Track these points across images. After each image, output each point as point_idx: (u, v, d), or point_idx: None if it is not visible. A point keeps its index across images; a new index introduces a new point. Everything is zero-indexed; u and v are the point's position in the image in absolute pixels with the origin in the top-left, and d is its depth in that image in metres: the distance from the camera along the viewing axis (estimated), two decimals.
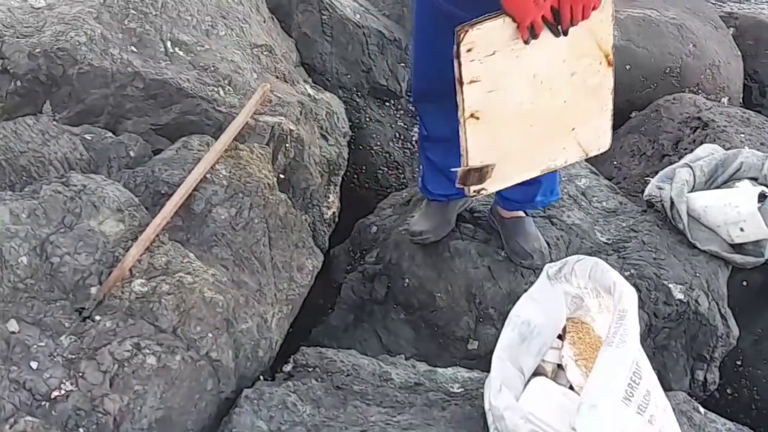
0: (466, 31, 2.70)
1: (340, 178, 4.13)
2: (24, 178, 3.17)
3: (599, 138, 3.13)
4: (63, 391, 2.57)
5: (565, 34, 2.80)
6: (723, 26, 6.43)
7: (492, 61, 2.76)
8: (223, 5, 4.06)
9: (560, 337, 3.06)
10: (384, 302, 3.88)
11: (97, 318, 2.76)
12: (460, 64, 2.75)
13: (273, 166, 3.60)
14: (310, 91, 4.16)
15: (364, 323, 3.89)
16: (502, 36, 2.76)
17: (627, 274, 3.75)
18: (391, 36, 4.66)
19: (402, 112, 4.71)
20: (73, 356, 2.65)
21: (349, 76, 4.55)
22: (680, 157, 4.46)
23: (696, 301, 3.78)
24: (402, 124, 4.71)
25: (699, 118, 4.99)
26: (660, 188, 4.14)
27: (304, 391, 2.97)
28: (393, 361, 3.30)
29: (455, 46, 2.73)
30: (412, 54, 3.46)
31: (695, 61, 5.66)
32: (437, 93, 3.40)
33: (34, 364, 2.59)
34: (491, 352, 2.92)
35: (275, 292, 3.22)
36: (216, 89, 3.69)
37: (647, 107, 5.22)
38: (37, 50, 3.41)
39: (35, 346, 2.63)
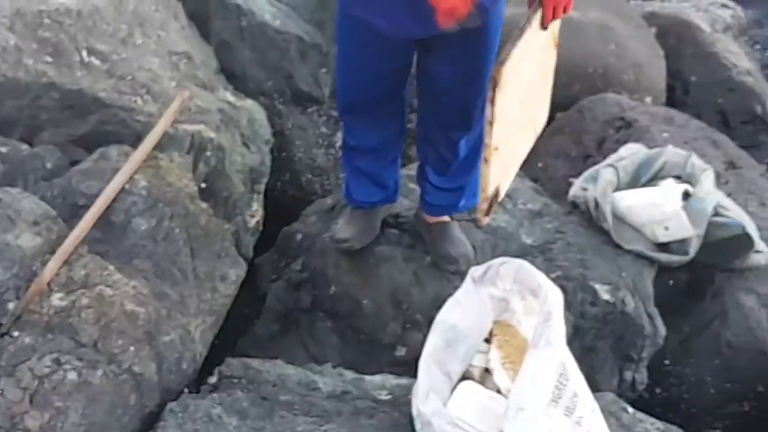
0: (501, 72, 2.65)
1: (263, 186, 4.09)
2: None
3: (544, 114, 3.25)
4: None
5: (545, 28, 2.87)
6: (645, 26, 6.50)
7: (510, 90, 2.74)
8: (140, 13, 4.01)
9: (487, 340, 3.06)
10: (310, 310, 3.85)
11: (16, 334, 2.72)
12: (494, 107, 2.70)
13: (194, 174, 3.56)
14: (231, 98, 4.12)
15: (290, 332, 3.86)
16: (526, 60, 2.76)
17: (553, 275, 3.75)
18: (312, 41, 4.64)
19: (325, 117, 4.69)
20: None
21: (270, 82, 4.52)
22: (604, 158, 4.48)
23: (622, 301, 3.80)
24: (325, 129, 4.69)
25: (622, 118, 5.03)
26: (584, 189, 4.16)
27: (230, 403, 2.94)
28: (320, 370, 3.28)
29: (491, 92, 2.68)
30: (337, 69, 3.45)
31: (618, 61, 5.70)
32: (363, 107, 3.40)
33: None
34: (419, 357, 2.91)
35: (198, 303, 3.19)
36: (134, 98, 3.65)
37: (571, 108, 5.24)
38: None
39: None
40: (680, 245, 3.98)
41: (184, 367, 3.01)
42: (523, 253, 3.92)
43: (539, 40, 2.90)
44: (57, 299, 2.83)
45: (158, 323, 2.96)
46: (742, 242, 4.06)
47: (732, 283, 4.20)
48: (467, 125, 3.42)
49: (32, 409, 2.58)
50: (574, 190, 4.24)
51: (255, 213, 3.99)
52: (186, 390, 3.05)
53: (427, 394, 2.76)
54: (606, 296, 3.79)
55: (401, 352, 3.71)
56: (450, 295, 3.09)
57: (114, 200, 3.19)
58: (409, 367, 3.44)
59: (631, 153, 4.31)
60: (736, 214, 4.11)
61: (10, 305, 2.77)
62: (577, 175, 4.41)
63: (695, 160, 4.20)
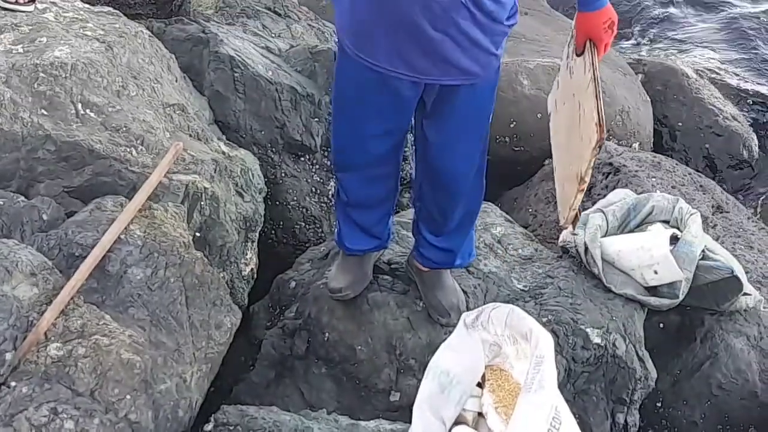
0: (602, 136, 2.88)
1: (257, 235, 4.12)
2: None
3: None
4: None
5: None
6: (631, 72, 6.58)
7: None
8: (133, 66, 4.05)
9: (480, 385, 3.08)
10: (305, 357, 3.87)
11: (13, 384, 2.71)
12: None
13: (188, 224, 3.58)
14: (224, 148, 4.15)
15: (285, 379, 3.87)
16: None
17: (545, 320, 3.78)
18: (304, 92, 4.69)
19: (317, 166, 4.73)
20: None
21: (263, 132, 4.55)
22: (593, 203, 4.52)
23: (613, 344, 3.83)
24: (318, 178, 4.73)
25: (611, 164, 5.08)
26: (574, 234, 4.20)
27: None
28: (315, 416, 3.29)
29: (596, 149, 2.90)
30: (333, 123, 3.48)
31: (605, 107, 5.75)
32: (357, 165, 3.45)
33: None
34: (413, 403, 2.93)
35: (194, 351, 3.20)
36: (128, 149, 3.67)
37: None
38: None
39: None
40: (669, 288, 4.01)
41: (180, 414, 3.01)
42: (514, 298, 3.95)
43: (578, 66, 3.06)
44: (54, 349, 2.83)
45: (154, 371, 2.97)
46: (731, 285, 4.09)
47: (721, 325, 4.23)
48: (458, 197, 3.47)
49: None
50: (564, 236, 4.28)
51: (249, 261, 4.02)
52: None
53: None
54: (597, 340, 3.82)
55: (395, 397, 3.73)
56: (443, 340, 3.11)
57: (109, 250, 3.20)
58: (404, 413, 3.47)
59: (619, 198, 4.35)
60: (724, 257, 4.14)
61: (8, 355, 2.77)
62: None
63: (683, 204, 4.24)
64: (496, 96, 3.31)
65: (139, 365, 2.91)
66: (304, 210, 4.67)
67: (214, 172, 3.88)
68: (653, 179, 4.95)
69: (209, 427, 3.15)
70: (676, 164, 5.33)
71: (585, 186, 2.96)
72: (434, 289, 3.83)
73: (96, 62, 3.86)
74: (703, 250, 4.06)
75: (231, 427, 3.12)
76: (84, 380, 2.77)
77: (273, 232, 4.63)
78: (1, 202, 3.36)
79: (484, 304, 3.62)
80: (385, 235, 3.85)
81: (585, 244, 4.09)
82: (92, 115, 3.71)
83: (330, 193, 4.72)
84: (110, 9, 4.46)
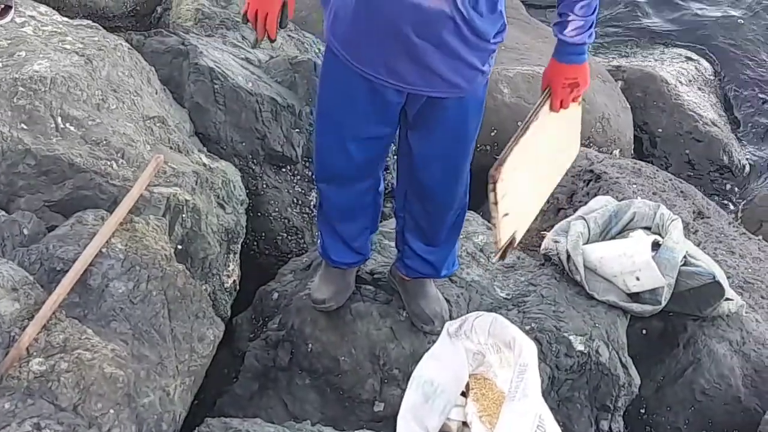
0: (499, 171, 2.86)
1: (239, 246, 4.11)
2: None
3: (573, 152, 3.52)
4: None
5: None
6: (611, 79, 6.60)
7: (515, 174, 2.90)
8: (113, 79, 4.04)
9: (464, 394, 3.08)
10: (288, 368, 3.86)
11: None
12: (496, 203, 2.92)
13: (170, 237, 3.58)
14: (205, 160, 4.15)
15: (269, 390, 3.86)
16: (524, 154, 2.90)
17: (528, 328, 3.79)
18: (285, 102, 4.68)
19: (299, 177, 4.73)
20: None
21: (243, 143, 4.55)
22: (575, 210, 4.53)
23: (597, 351, 3.83)
24: (299, 189, 4.73)
25: (591, 171, 5.09)
26: (556, 242, 4.21)
27: None
28: (299, 428, 3.29)
29: (491, 194, 2.87)
30: (314, 134, 3.48)
31: (585, 114, 5.76)
32: (339, 176, 3.45)
33: None
34: (398, 413, 2.93)
35: (177, 364, 3.19)
36: (109, 163, 3.67)
37: None
38: None
39: None
40: (652, 295, 4.03)
41: (164, 428, 3.01)
42: (497, 306, 3.95)
43: (553, 118, 3.05)
44: (36, 364, 2.82)
45: (137, 385, 2.96)
46: (713, 290, 4.11)
47: (704, 330, 4.25)
48: (446, 208, 3.49)
49: None
50: (546, 243, 4.29)
51: (231, 273, 4.01)
52: None
53: None
54: (580, 347, 3.82)
55: (380, 407, 3.72)
56: (426, 349, 3.12)
57: (91, 264, 3.19)
58: (388, 423, 3.47)
59: (600, 205, 4.36)
60: (705, 263, 4.16)
61: None
62: (549, 228, 4.47)
63: (664, 210, 4.26)
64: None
65: (122, 379, 2.90)
66: (286, 221, 4.67)
67: (195, 185, 3.87)
68: (634, 186, 4.97)
69: None
70: (657, 170, 5.35)
71: (498, 216, 2.98)
72: (417, 297, 3.83)
73: (75, 76, 3.85)
74: (684, 256, 4.08)
75: None
76: (67, 395, 2.77)
77: (255, 243, 4.62)
78: None
79: (468, 312, 3.63)
80: (366, 249, 3.85)
81: (567, 251, 4.10)
82: (72, 128, 3.70)
83: (312, 203, 4.71)
84: (89, 22, 4.44)
